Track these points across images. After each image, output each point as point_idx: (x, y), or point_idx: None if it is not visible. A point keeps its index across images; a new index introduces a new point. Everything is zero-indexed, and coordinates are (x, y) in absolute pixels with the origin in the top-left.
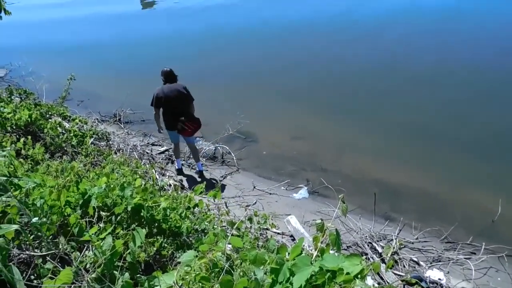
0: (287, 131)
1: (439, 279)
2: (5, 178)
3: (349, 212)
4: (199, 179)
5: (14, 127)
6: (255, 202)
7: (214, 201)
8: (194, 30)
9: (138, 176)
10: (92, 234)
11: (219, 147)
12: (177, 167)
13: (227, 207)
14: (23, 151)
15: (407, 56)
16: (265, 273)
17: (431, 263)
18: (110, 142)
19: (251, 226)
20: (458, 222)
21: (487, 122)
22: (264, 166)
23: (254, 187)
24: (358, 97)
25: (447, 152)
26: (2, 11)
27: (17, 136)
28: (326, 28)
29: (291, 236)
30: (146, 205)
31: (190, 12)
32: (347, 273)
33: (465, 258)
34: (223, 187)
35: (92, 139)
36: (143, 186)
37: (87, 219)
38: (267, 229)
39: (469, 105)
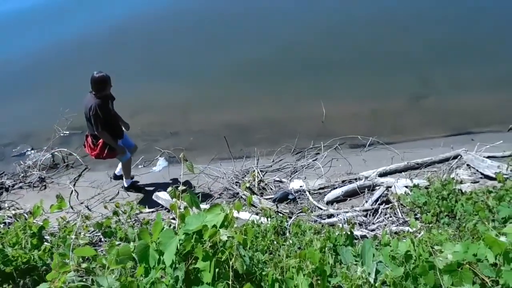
0: (123, 109)
1: (300, 186)
2: None
3: (210, 162)
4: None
5: None
6: (118, 193)
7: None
8: None
9: None
10: None
11: (56, 153)
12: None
13: (90, 210)
14: None
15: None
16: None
17: (290, 176)
18: None
19: (119, 219)
20: (299, 133)
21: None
22: None
23: (111, 178)
24: (177, 57)
25: (272, 79)
26: None
27: None
28: None
29: (166, 208)
30: None
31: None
32: (214, 226)
33: (313, 161)
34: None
35: None
36: None
37: None
38: (140, 212)
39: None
